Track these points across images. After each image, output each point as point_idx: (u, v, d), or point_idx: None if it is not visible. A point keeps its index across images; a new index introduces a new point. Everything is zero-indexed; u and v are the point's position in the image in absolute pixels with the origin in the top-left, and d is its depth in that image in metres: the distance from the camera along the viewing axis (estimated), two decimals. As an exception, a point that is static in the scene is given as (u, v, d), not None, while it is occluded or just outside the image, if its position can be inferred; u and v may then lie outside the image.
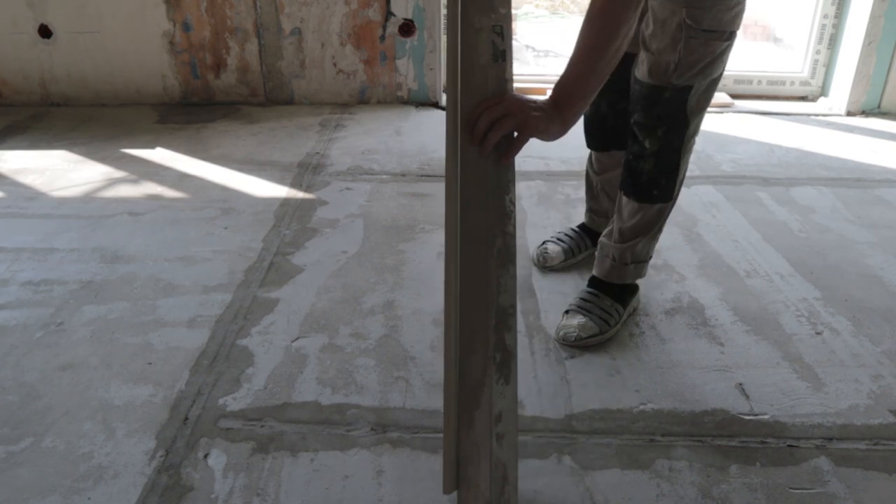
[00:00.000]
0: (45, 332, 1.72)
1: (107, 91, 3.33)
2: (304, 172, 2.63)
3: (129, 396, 1.51)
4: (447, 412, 1.15)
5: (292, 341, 1.69)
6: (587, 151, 1.93)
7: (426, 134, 3.00)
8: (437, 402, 1.49)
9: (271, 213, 2.31)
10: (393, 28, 3.20)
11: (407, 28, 3.20)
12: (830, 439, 1.40)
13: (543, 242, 2.03)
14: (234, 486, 1.29)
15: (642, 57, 1.52)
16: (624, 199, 1.66)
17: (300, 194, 2.45)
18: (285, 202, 2.39)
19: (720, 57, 1.47)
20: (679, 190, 1.63)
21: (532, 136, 1.15)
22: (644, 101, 1.53)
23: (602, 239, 1.75)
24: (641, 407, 1.48)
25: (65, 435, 1.41)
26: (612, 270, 1.72)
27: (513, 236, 1.12)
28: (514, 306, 1.12)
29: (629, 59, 1.56)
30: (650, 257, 1.74)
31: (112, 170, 2.66)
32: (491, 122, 1.09)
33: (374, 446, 1.38)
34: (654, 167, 1.58)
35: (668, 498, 1.27)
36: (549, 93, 1.23)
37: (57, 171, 2.65)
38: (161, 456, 1.36)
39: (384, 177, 2.60)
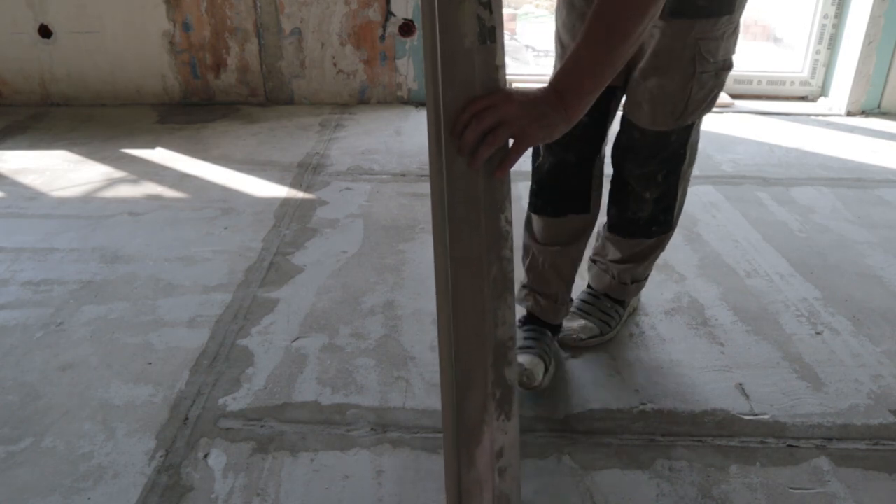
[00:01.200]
0: (45, 332, 1.72)
1: (107, 91, 3.33)
2: (304, 172, 2.63)
3: (129, 396, 1.51)
4: (447, 449, 1.08)
5: (292, 341, 1.69)
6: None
7: (426, 134, 2.99)
8: (436, 402, 1.49)
9: (271, 213, 2.31)
10: (393, 28, 3.20)
11: (407, 28, 3.20)
12: (830, 439, 1.40)
13: (519, 352, 1.52)
14: (234, 486, 1.29)
15: (638, 98, 1.32)
16: (615, 236, 1.56)
17: (300, 194, 2.45)
18: (285, 202, 2.39)
19: (721, 87, 1.34)
20: (679, 216, 1.52)
21: (532, 145, 0.98)
22: (647, 150, 1.37)
23: (596, 257, 1.66)
24: (641, 407, 1.48)
25: (65, 435, 1.41)
26: (613, 288, 1.65)
27: (510, 261, 0.97)
28: (513, 339, 1.00)
29: (605, 97, 1.30)
30: (649, 275, 1.68)
31: (112, 170, 2.66)
32: (481, 134, 0.91)
33: (374, 446, 1.38)
34: (651, 211, 1.47)
35: (668, 498, 1.27)
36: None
37: (57, 171, 2.65)
38: (161, 456, 1.36)
39: (384, 177, 2.60)
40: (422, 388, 1.53)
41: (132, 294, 1.87)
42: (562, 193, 1.47)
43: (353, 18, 3.19)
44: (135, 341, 1.69)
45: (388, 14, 3.18)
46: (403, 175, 2.62)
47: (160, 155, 2.79)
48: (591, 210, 1.49)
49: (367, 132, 3.03)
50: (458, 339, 0.99)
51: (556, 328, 1.62)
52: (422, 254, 2.07)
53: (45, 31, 3.22)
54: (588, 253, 1.69)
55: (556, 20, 1.38)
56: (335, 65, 3.28)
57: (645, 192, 1.43)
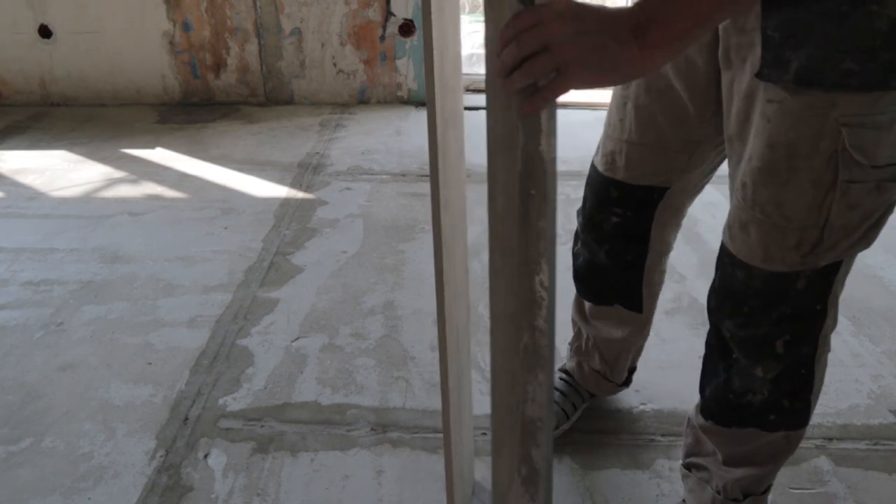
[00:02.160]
0: (45, 332, 1.72)
1: (107, 91, 3.33)
2: (304, 172, 2.63)
3: (129, 396, 1.51)
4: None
5: (292, 341, 1.69)
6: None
7: (426, 134, 2.99)
8: (437, 402, 1.49)
9: (271, 213, 2.31)
10: (393, 28, 3.20)
11: (407, 28, 3.20)
12: (830, 439, 1.40)
13: None
14: (234, 486, 1.29)
15: (744, 217, 0.88)
16: (711, 424, 1.07)
17: (300, 194, 2.45)
18: (285, 202, 2.39)
19: (890, 209, 0.85)
20: (816, 401, 1.01)
21: (578, 86, 0.70)
22: (756, 300, 0.90)
23: (691, 459, 1.15)
24: (641, 407, 1.48)
25: (65, 435, 1.41)
26: None
27: (544, 332, 0.83)
28: (543, 420, 0.87)
29: (650, 196, 1.09)
30: (770, 485, 1.13)
31: (112, 170, 2.66)
32: (521, 58, 0.68)
33: (374, 446, 1.38)
34: (769, 395, 0.98)
35: (669, 498, 1.27)
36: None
37: (57, 171, 2.65)
38: (161, 456, 1.36)
39: (384, 177, 2.60)
40: (422, 388, 1.53)
41: (132, 294, 1.87)
42: (602, 285, 1.24)
43: (353, 18, 3.19)
44: (135, 341, 1.69)
45: (388, 14, 3.18)
46: (403, 175, 2.62)
47: (160, 155, 2.79)
48: (643, 311, 1.24)
49: (367, 132, 3.03)
50: (495, 399, 0.90)
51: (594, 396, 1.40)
52: (422, 254, 2.07)
53: (45, 31, 3.22)
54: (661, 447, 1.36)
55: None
56: (335, 65, 3.28)
57: (755, 366, 0.96)
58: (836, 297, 0.92)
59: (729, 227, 0.91)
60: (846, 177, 0.79)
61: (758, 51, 0.79)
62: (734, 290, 0.92)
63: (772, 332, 0.91)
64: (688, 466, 1.15)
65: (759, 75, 0.80)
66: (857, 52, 0.73)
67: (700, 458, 1.11)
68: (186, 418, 1.45)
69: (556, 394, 1.39)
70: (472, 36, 4.53)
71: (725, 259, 0.93)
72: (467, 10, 5.23)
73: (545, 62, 0.68)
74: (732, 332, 0.95)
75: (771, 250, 0.86)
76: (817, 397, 1.00)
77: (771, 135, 0.81)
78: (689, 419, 1.11)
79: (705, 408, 1.06)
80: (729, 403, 1.01)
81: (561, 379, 1.42)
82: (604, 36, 0.67)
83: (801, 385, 0.97)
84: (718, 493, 1.09)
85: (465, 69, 4.21)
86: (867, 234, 0.85)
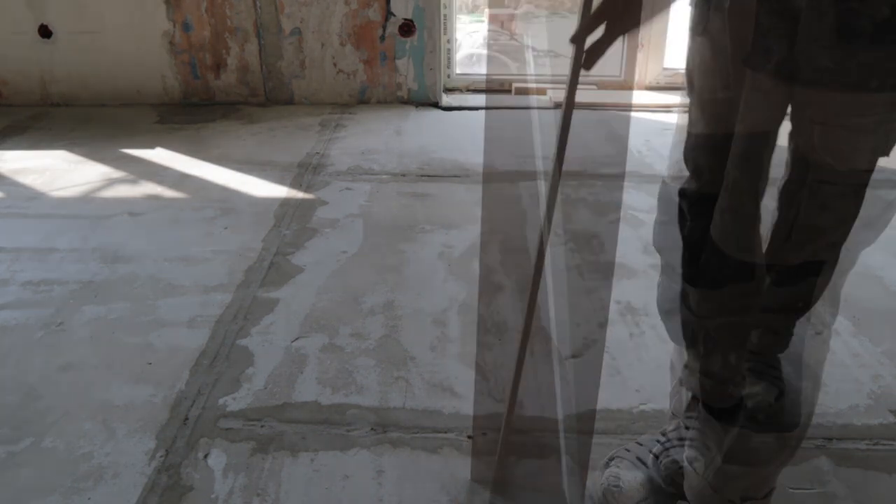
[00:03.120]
0: (45, 332, 1.72)
1: (107, 91, 3.33)
2: (304, 172, 2.63)
3: (129, 396, 1.51)
4: None
5: (292, 341, 1.69)
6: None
7: (426, 134, 3.00)
8: (436, 402, 1.49)
9: (271, 213, 2.31)
10: (393, 28, 3.20)
11: (407, 28, 3.20)
12: (830, 439, 1.40)
13: (609, 462, 1.25)
14: (234, 486, 1.29)
15: (721, 203, 0.91)
16: (705, 412, 1.05)
17: (300, 194, 2.45)
18: (285, 202, 2.39)
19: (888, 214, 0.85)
20: (807, 405, 1.05)
21: (608, 34, 0.80)
22: (728, 287, 0.93)
23: (690, 453, 1.09)
24: (641, 407, 1.48)
25: (65, 435, 1.41)
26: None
27: None
28: None
29: (756, 144, 0.98)
30: (773, 488, 1.12)
31: (112, 170, 2.66)
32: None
33: (374, 446, 1.38)
34: (752, 390, 1.02)
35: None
36: None
37: (57, 171, 2.65)
38: (161, 456, 1.36)
39: (384, 177, 2.60)
40: (422, 388, 1.53)
41: (132, 294, 1.87)
42: (717, 260, 1.08)
43: (353, 18, 3.19)
44: (135, 341, 1.69)
45: (388, 14, 3.18)
46: (403, 175, 2.62)
47: (160, 155, 2.79)
48: (754, 277, 1.06)
49: (367, 132, 3.03)
50: None
51: (730, 412, 1.13)
52: (422, 254, 2.07)
53: (45, 31, 3.22)
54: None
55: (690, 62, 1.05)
56: (335, 65, 3.28)
57: (729, 353, 0.96)
58: (822, 295, 0.91)
59: (715, 212, 0.90)
60: (816, 176, 0.80)
61: (750, 36, 0.78)
62: (709, 277, 0.93)
63: (744, 322, 0.92)
64: (687, 458, 1.10)
65: (745, 62, 0.79)
66: (835, 50, 0.72)
67: (700, 452, 1.06)
68: (186, 418, 1.45)
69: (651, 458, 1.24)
70: (472, 36, 4.52)
71: (708, 244, 0.94)
72: (467, 9, 5.23)
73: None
74: (706, 316, 0.95)
75: (742, 241, 0.86)
76: (810, 398, 1.00)
77: (753, 123, 0.81)
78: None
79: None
80: (710, 391, 1.00)
81: (688, 419, 1.23)
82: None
83: (787, 383, 0.97)
84: (716, 491, 1.06)
85: (465, 69, 4.18)
86: (845, 237, 0.83)
